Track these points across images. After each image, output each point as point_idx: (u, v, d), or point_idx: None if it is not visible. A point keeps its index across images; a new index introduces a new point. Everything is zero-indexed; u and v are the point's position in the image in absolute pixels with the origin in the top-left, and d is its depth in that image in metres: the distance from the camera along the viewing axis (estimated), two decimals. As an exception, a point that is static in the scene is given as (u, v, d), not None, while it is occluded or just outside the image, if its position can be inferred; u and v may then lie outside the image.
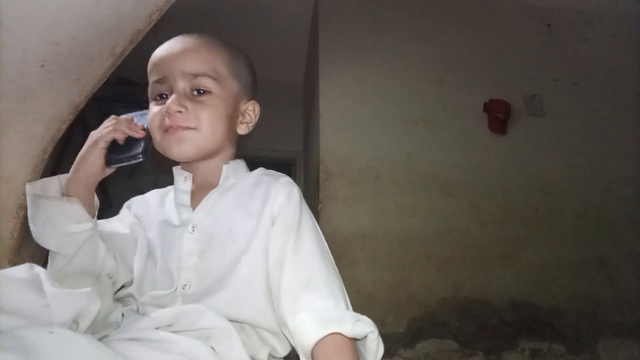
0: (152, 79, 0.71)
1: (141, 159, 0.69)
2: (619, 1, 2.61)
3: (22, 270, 0.50)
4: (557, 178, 2.25)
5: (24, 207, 1.06)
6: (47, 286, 0.49)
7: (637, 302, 1.98)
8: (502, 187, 2.18)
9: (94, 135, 0.68)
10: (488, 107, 2.32)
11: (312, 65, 2.86)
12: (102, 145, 0.67)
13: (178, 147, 0.68)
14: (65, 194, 0.65)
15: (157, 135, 0.69)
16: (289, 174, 3.37)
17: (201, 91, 0.69)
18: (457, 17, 2.59)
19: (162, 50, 0.72)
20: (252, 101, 0.78)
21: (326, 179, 2.06)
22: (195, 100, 0.68)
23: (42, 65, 0.87)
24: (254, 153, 3.09)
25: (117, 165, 0.70)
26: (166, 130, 0.68)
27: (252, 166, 0.80)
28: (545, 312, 1.93)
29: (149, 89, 0.73)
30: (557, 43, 2.62)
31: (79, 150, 0.67)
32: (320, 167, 2.08)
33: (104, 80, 1.01)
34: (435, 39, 2.51)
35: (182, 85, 0.68)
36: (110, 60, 0.96)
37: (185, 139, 0.68)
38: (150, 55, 0.73)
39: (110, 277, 0.67)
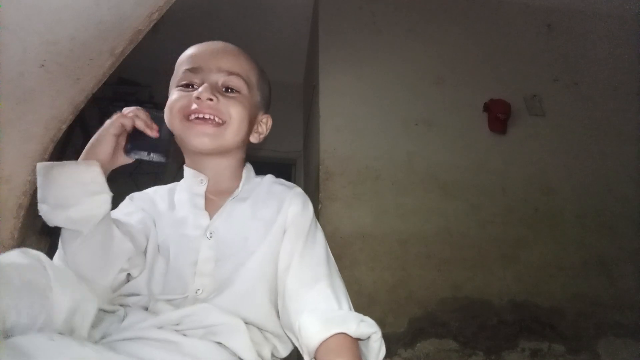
0: (184, 67, 0.72)
1: (163, 161, 0.68)
2: (619, 1, 2.61)
3: (17, 256, 0.49)
4: (557, 178, 2.25)
5: (24, 207, 1.07)
6: (50, 267, 0.49)
7: (637, 302, 1.98)
8: (502, 187, 2.18)
9: (107, 122, 0.66)
10: (488, 107, 2.32)
11: (312, 65, 2.86)
12: (113, 131, 0.64)
13: (200, 139, 0.68)
14: None
15: (175, 120, 0.69)
16: (289, 174, 3.40)
17: (230, 89, 0.72)
18: (457, 17, 2.59)
19: (201, 46, 0.75)
20: (267, 115, 0.83)
21: (326, 179, 2.06)
22: (225, 95, 0.71)
23: (42, 65, 0.87)
24: (254, 153, 3.09)
25: (137, 157, 0.67)
26: (188, 116, 0.68)
27: (252, 166, 0.82)
28: (545, 312, 1.93)
29: (177, 77, 0.73)
30: (557, 43, 2.62)
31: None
32: (320, 167, 2.08)
33: (104, 80, 1.01)
34: (435, 39, 2.51)
35: (215, 78, 0.71)
36: (110, 60, 0.96)
37: (209, 132, 0.69)
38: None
39: (128, 262, 0.65)
